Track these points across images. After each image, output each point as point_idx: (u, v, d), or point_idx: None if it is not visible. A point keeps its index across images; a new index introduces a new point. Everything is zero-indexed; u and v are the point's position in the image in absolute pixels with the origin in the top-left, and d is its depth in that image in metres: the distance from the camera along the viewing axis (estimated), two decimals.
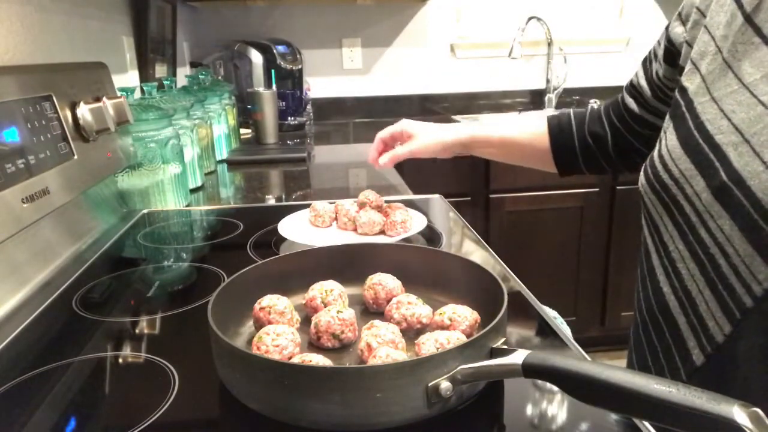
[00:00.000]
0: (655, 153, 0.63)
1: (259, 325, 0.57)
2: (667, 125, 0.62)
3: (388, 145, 0.98)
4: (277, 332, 0.52)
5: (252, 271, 0.62)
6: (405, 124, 0.97)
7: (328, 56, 2.52)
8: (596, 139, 0.84)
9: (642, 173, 0.65)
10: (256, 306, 0.58)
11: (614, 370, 0.39)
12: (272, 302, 0.57)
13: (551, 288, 2.14)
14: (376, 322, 0.54)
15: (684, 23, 0.65)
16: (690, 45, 0.63)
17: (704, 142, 0.55)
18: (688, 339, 0.58)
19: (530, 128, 0.90)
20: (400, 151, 0.94)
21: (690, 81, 0.60)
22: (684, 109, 0.60)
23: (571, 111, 0.88)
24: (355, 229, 0.91)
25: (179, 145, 1.16)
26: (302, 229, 0.91)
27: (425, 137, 0.93)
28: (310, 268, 0.66)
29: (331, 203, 0.95)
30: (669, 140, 0.60)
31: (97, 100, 0.96)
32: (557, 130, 0.87)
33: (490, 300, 0.55)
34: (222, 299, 0.55)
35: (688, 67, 0.61)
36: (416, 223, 0.90)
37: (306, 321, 0.60)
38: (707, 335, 0.56)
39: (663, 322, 0.62)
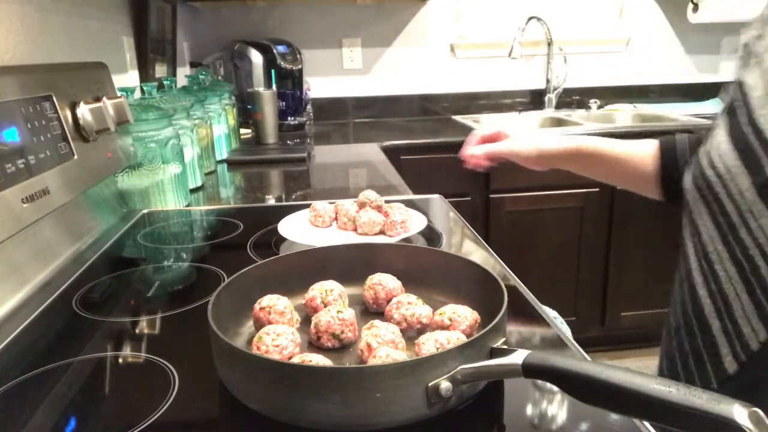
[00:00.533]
0: (702, 150, 0.60)
1: (259, 325, 0.57)
2: (719, 121, 0.60)
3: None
4: (277, 332, 0.52)
5: (252, 271, 0.62)
6: (502, 126, 0.93)
7: (328, 56, 2.52)
8: None
9: (689, 171, 0.63)
10: (256, 306, 0.58)
11: (614, 370, 0.39)
12: (272, 302, 0.57)
13: (551, 288, 2.14)
14: (376, 322, 0.54)
15: (754, 23, 0.61)
16: (759, 39, 0.59)
17: (754, 136, 0.53)
18: (722, 345, 0.57)
19: (637, 146, 0.82)
20: (499, 147, 0.89)
21: (749, 75, 0.57)
22: (738, 103, 0.57)
23: (686, 135, 0.80)
24: (355, 229, 0.91)
25: (179, 145, 1.16)
26: (302, 229, 0.91)
27: (523, 141, 0.88)
28: (310, 268, 0.66)
29: (331, 203, 0.95)
30: (718, 135, 0.58)
31: (97, 100, 0.96)
32: (667, 152, 0.78)
33: (490, 300, 0.55)
34: (222, 299, 0.55)
35: (752, 60, 0.58)
36: (416, 223, 0.90)
37: (306, 321, 0.60)
38: (742, 342, 0.54)
39: (696, 327, 0.60)
